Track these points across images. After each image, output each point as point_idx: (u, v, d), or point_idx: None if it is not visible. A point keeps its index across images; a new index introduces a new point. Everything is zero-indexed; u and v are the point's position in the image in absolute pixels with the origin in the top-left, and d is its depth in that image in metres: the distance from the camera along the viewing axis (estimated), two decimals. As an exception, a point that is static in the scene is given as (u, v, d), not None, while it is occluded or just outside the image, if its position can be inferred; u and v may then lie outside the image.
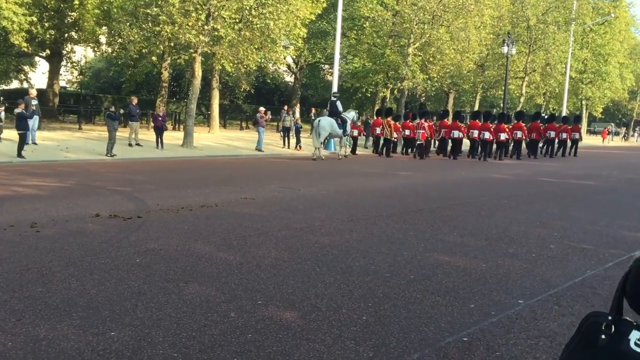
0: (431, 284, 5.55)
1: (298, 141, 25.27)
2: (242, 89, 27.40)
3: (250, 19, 22.18)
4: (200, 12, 20.87)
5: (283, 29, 24.30)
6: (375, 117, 27.72)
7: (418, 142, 24.02)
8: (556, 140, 28.49)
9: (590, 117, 60.96)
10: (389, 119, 24.70)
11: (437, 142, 26.39)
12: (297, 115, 29.62)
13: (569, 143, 29.03)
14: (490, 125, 24.29)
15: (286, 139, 25.12)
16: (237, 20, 22.28)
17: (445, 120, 25.82)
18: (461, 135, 24.69)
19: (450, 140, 24.99)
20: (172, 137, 24.37)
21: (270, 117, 26.29)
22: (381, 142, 25.00)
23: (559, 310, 5.00)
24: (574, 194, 13.11)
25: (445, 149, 25.46)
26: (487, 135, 23.91)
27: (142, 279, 5.32)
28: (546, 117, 31.26)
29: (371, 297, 5.09)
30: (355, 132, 24.86)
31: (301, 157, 22.40)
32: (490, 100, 57.60)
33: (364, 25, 34.63)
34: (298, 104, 33.43)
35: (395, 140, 25.24)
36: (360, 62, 37.44)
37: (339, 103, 23.46)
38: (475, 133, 24.32)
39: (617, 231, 8.73)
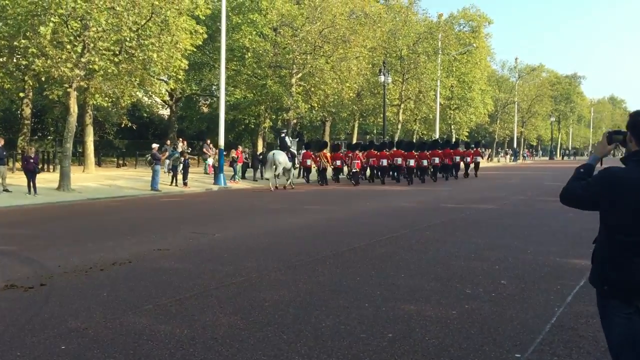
0: (415, 343, 4.98)
1: (185, 177, 23.98)
2: (123, 124, 25.56)
3: (131, 51, 20.82)
4: (76, 44, 19.21)
5: (165, 60, 23.10)
6: (304, 150, 28.52)
7: (354, 170, 26.73)
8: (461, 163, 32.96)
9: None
10: (324, 151, 27.50)
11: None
12: (181, 148, 28.27)
13: (471, 165, 33.65)
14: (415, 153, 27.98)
15: (175, 176, 23.71)
16: (116, 52, 20.79)
17: (372, 150, 28.48)
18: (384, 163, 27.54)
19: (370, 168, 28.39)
20: (43, 179, 22.03)
21: (168, 153, 24.79)
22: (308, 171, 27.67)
23: (561, 361, 4.62)
24: (484, 220, 13.25)
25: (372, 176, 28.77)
26: (412, 162, 27.50)
27: (79, 374, 4.25)
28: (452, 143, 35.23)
29: (364, 368, 4.41)
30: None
31: (193, 194, 21.27)
32: (365, 128, 59.24)
33: (245, 56, 34.10)
34: (181, 139, 31.98)
35: (330, 169, 27.72)
36: (241, 93, 36.81)
37: (287, 138, 25.94)
38: (400, 160, 27.54)
39: (550, 258, 8.73)
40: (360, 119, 47.39)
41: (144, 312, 5.80)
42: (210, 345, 4.85)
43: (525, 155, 75.68)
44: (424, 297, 6.49)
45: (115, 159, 38.59)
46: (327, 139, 45.11)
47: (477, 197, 19.11)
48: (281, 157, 22.95)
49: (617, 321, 2.99)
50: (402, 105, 42.60)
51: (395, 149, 29.15)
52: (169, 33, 22.19)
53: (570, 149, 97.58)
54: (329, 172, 28.25)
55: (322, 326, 5.39)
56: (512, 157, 67.21)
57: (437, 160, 29.32)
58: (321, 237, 10.54)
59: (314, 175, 28.09)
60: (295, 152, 25.67)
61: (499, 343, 5.00)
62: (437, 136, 46.25)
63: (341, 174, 28.67)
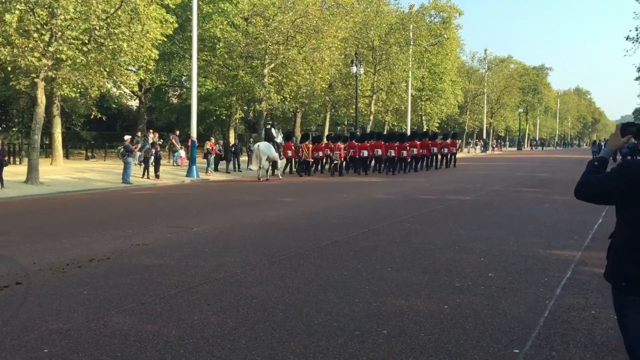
0: (411, 339, 4.88)
1: (157, 170, 23.51)
2: (92, 116, 24.92)
3: (101, 40, 20.27)
4: (43, 32, 18.61)
5: (135, 50, 22.56)
6: (285, 141, 28.42)
7: (335, 162, 27.05)
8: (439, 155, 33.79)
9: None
10: (307, 142, 27.36)
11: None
12: (152, 140, 27.72)
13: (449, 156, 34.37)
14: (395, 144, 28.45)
15: (146, 168, 23.24)
16: (85, 42, 20.22)
17: (354, 141, 28.49)
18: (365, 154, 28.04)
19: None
20: (9, 172, 21.32)
21: (140, 145, 24.25)
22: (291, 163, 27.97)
23: (559, 356, 4.57)
24: (463, 212, 13.26)
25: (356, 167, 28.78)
26: (392, 153, 28.04)
27: (66, 380, 4.04)
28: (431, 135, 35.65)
29: (363, 368, 4.30)
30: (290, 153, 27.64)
31: (166, 187, 20.90)
32: (336, 119, 59.12)
33: (216, 46, 33.61)
34: (152, 131, 31.35)
35: (311, 161, 27.59)
36: (212, 84, 36.31)
37: (273, 129, 26.49)
38: (380, 151, 28.16)
39: (532, 249, 8.75)
40: (332, 110, 47.24)
41: (128, 312, 5.58)
42: (201, 346, 4.67)
43: (494, 146, 76.54)
44: (413, 291, 6.40)
45: (84, 151, 37.71)
46: (297, 130, 44.89)
47: (453, 188, 19.17)
48: (266, 149, 23.18)
49: (635, 318, 2.91)
50: (374, 97, 42.58)
51: (375, 140, 29.48)
52: (139, 22, 21.70)
53: (537, 139, 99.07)
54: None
55: (314, 323, 5.26)
56: (482, 148, 67.90)
57: (415, 151, 29.83)
58: (302, 230, 10.39)
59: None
60: (282, 143, 26.21)
61: (496, 338, 4.94)
62: (409, 127, 46.41)
63: (321, 165, 28.95)
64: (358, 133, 33.87)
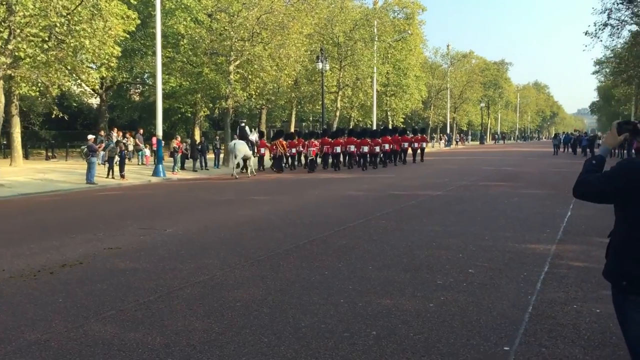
0: (401, 340, 4.85)
1: (122, 169, 23.03)
2: (53, 115, 24.25)
3: (61, 37, 19.72)
4: (1, 30, 18.01)
5: (97, 47, 22.05)
6: (259, 139, 28.94)
7: (310, 158, 27.71)
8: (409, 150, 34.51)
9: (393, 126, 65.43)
10: (281, 139, 27.99)
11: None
12: (116, 139, 27.17)
13: (418, 151, 35.19)
14: (369, 140, 28.99)
15: (111, 168, 22.74)
16: (45, 39, 19.64)
17: (326, 138, 29.20)
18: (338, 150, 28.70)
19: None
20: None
21: (104, 144, 23.66)
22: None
23: (548, 352, 4.60)
24: (435, 207, 13.33)
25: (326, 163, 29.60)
26: (365, 149, 28.58)
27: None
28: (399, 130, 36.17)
29: (357, 371, 4.24)
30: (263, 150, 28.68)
31: (132, 187, 20.50)
32: (301, 116, 59.02)
33: (180, 43, 33.09)
34: (116, 129, 30.70)
35: (287, 156, 28.39)
36: (176, 81, 35.75)
37: (247, 128, 27.19)
38: (353, 147, 28.69)
39: (508, 244, 8.84)
40: (298, 107, 47.10)
41: (107, 319, 5.40)
42: (189, 354, 4.55)
43: (457, 140, 77.55)
44: (397, 289, 6.38)
45: (44, 151, 36.72)
46: (263, 127, 44.63)
47: (422, 184, 19.30)
48: (241, 147, 23.82)
49: (635, 317, 2.91)
50: (340, 93, 42.61)
51: (347, 136, 30.05)
52: (101, 18, 21.22)
53: (499, 133, 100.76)
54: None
55: (301, 326, 5.18)
56: (447, 142, 68.69)
57: (387, 146, 30.51)
58: (278, 230, 10.28)
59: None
60: (256, 141, 27.05)
61: (485, 336, 4.94)
62: (374, 123, 46.61)
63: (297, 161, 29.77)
64: (325, 128, 34.22)
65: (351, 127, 44.20)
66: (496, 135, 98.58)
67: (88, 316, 5.49)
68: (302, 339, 4.87)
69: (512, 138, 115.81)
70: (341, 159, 29.47)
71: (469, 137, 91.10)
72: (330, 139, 28.90)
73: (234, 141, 24.63)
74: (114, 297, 6.10)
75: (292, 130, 39.42)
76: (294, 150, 28.54)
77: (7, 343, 4.81)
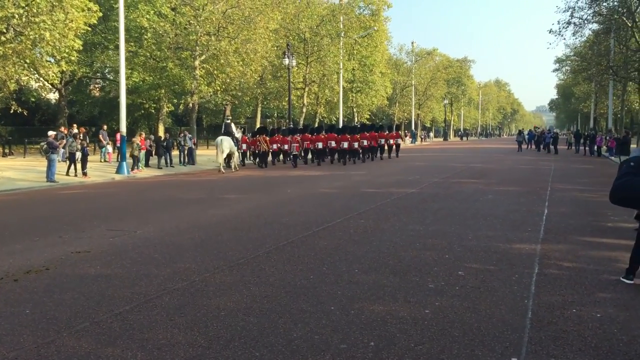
0: (402, 351, 4.55)
1: (84, 167, 22.20)
2: (12, 110, 23.24)
3: (20, 29, 18.85)
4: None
5: (58, 40, 21.19)
6: (242, 135, 30.21)
7: (293, 154, 28.28)
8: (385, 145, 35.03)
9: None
10: (264, 135, 28.79)
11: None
12: (81, 136, 26.18)
13: (393, 147, 36.11)
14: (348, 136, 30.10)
15: (72, 165, 21.89)
16: (3, 31, 18.75)
17: (307, 134, 30.62)
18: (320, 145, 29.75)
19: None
20: None
21: (65, 141, 22.72)
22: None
23: (558, 362, 4.37)
24: (411, 206, 13.09)
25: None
26: (345, 144, 29.64)
27: None
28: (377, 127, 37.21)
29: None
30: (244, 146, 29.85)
31: (95, 185, 19.78)
32: (266, 112, 58.44)
33: (143, 37, 32.22)
34: (75, 125, 29.60)
35: (270, 152, 28.94)
36: (139, 76, 34.83)
37: (233, 125, 28.26)
38: (333, 143, 29.69)
39: (493, 244, 8.66)
40: (264, 103, 46.57)
41: (81, 333, 4.96)
42: (174, 371, 4.16)
43: (422, 136, 78.04)
44: (388, 294, 6.09)
45: (0, 148, 35.33)
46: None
47: (395, 181, 19.12)
48: (227, 143, 24.68)
49: None
50: (306, 89, 42.28)
51: (327, 133, 31.06)
52: (61, 10, 20.37)
53: (462, 130, 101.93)
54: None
55: (294, 337, 4.84)
56: (412, 139, 69.02)
57: (365, 142, 31.35)
58: (255, 230, 9.89)
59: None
60: (240, 138, 28.42)
61: (489, 345, 4.68)
62: (341, 119, 46.41)
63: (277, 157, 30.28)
64: (291, 126, 34.23)
65: (316, 123, 43.89)
66: (460, 132, 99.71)
67: (59, 329, 5.03)
68: (296, 352, 4.53)
69: (473, 135, 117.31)
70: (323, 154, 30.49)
71: (431, 134, 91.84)
72: (310, 135, 30.20)
73: (220, 137, 25.21)
74: (86, 307, 5.65)
75: (257, 126, 38.93)
76: (275, 147, 29.10)
77: (-31, 363, 4.34)
